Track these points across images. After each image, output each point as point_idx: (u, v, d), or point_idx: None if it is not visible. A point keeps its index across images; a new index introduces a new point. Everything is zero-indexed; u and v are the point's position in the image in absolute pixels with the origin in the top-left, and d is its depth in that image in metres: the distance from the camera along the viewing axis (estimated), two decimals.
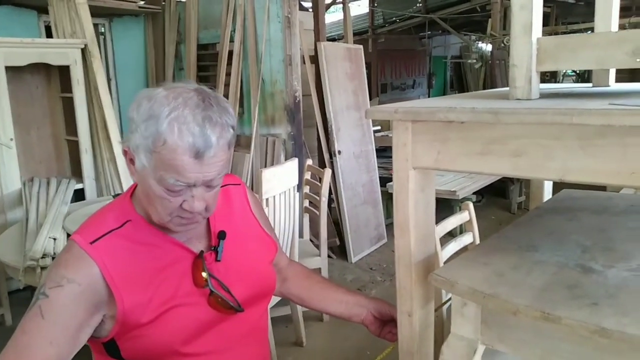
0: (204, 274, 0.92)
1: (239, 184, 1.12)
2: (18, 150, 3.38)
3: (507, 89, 0.95)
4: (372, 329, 1.13)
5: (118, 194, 3.20)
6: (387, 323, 1.12)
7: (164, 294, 0.90)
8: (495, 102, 0.91)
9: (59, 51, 3.52)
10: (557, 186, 1.56)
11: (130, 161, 0.88)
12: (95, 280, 0.86)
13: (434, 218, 0.99)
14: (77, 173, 3.79)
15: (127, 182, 3.63)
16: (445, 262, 1.66)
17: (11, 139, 3.29)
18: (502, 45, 6.84)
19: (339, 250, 4.00)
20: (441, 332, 1.62)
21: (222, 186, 1.07)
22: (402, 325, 0.94)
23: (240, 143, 4.03)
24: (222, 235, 0.98)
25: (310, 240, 3.22)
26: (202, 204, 0.87)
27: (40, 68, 3.68)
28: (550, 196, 1.56)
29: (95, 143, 3.74)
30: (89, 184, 3.68)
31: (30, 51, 3.38)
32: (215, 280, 0.94)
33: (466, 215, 1.87)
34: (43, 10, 3.95)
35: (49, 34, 3.99)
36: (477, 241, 1.87)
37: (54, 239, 2.26)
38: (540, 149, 0.77)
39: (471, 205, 1.89)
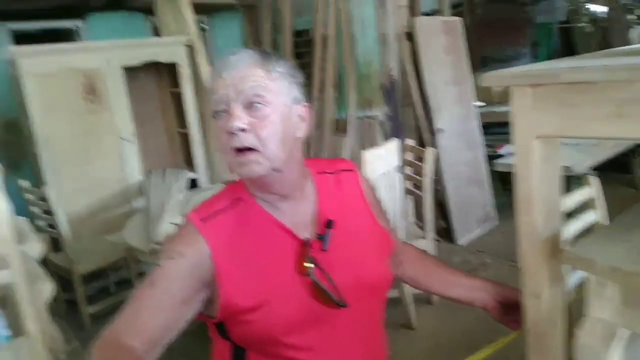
0: (308, 263, 0.90)
1: (352, 170, 1.06)
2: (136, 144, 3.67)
3: (637, 46, 0.83)
4: (494, 315, 1.06)
5: (229, 181, 3.37)
6: (510, 309, 1.04)
7: (266, 280, 0.89)
8: (628, 58, 0.81)
9: (167, 49, 3.76)
10: None
11: None
12: (203, 258, 0.87)
13: (559, 191, 0.91)
14: (190, 163, 4.04)
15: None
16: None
17: (133, 135, 3.58)
18: (618, 3, 6.17)
19: (444, 232, 3.89)
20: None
21: (333, 172, 1.03)
22: (529, 307, 0.88)
23: (338, 127, 4.05)
24: (330, 223, 0.95)
25: (414, 223, 3.16)
26: (240, 122, 0.84)
27: (152, 67, 3.95)
28: None
29: (205, 134, 3.95)
30: (201, 173, 3.91)
31: (142, 51, 3.64)
32: (320, 270, 0.91)
33: (590, 190, 1.71)
34: (149, 12, 4.22)
35: (156, 34, 4.27)
36: (604, 219, 1.71)
37: (174, 224, 2.42)
38: None
39: (597, 180, 1.72)
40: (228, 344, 0.96)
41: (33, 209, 3.08)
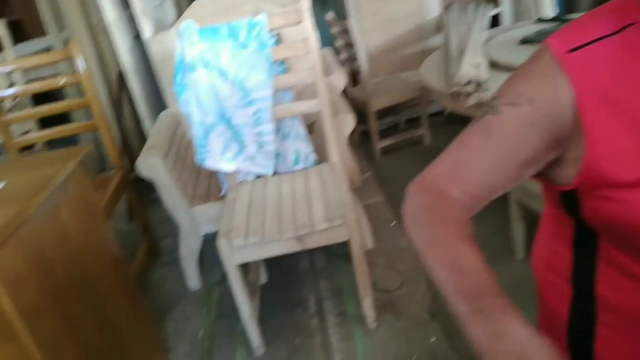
0: None
1: None
2: None
3: None
4: None
5: (541, 19, 2.83)
6: None
7: None
8: None
9: None
10: None
11: None
12: (562, 106, 0.62)
13: None
14: None
15: (545, 5, 3.18)
16: None
17: None
18: None
19: None
20: None
21: None
22: None
23: None
24: None
25: None
26: None
27: None
28: None
29: None
30: (505, 8, 3.40)
31: None
32: None
33: None
34: None
35: None
36: None
37: (477, 65, 2.16)
38: None
39: None
40: (571, 221, 0.73)
41: (337, 43, 3.18)
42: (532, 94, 0.64)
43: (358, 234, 1.59)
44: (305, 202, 1.68)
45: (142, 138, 2.71)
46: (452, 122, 3.20)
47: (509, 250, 1.99)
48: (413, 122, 3.37)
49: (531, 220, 1.82)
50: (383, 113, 3.29)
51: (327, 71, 2.27)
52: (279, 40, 2.03)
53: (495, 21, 3.43)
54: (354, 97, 3.23)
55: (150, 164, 1.83)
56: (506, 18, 3.41)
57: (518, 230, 1.94)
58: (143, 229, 2.30)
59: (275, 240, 1.53)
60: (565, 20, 2.62)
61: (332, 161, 1.87)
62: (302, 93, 2.24)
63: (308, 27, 1.76)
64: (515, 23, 3.21)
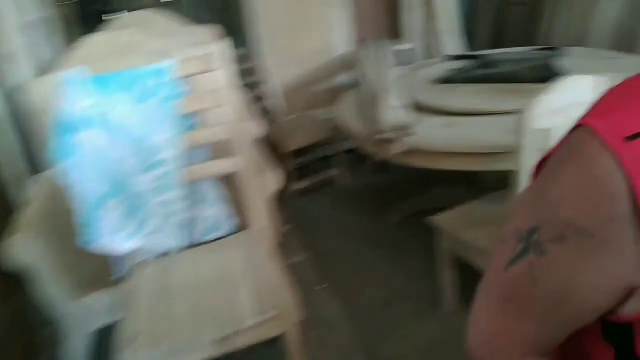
0: None
1: None
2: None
3: None
4: None
5: (452, 56, 2.79)
6: None
7: None
8: None
9: None
10: None
11: None
12: (622, 223, 0.46)
13: None
14: (399, 34, 3.51)
15: (452, 40, 3.20)
16: None
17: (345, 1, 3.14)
18: None
19: None
20: None
21: None
22: None
23: None
24: None
25: None
26: None
27: None
28: None
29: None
30: (415, 45, 3.38)
31: None
32: None
33: None
34: None
35: None
36: None
37: (396, 109, 2.01)
38: None
39: None
40: (612, 350, 0.58)
41: (245, 80, 2.93)
42: (583, 221, 0.47)
43: (296, 325, 1.33)
44: (228, 286, 1.38)
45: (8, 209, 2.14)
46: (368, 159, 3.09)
47: (436, 300, 1.84)
48: (328, 161, 3.20)
49: (463, 270, 1.68)
50: (295, 152, 3.09)
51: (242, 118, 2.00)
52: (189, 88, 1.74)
53: (404, 58, 3.39)
54: (266, 138, 2.99)
55: (19, 254, 1.39)
56: (419, 53, 3.38)
57: (447, 279, 1.78)
58: (15, 321, 1.84)
59: (191, 346, 1.22)
60: (473, 57, 2.60)
61: (256, 229, 1.61)
62: (220, 146, 1.95)
63: (222, 76, 1.50)
64: (425, 60, 3.18)
